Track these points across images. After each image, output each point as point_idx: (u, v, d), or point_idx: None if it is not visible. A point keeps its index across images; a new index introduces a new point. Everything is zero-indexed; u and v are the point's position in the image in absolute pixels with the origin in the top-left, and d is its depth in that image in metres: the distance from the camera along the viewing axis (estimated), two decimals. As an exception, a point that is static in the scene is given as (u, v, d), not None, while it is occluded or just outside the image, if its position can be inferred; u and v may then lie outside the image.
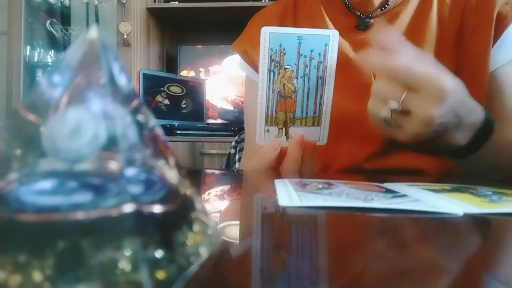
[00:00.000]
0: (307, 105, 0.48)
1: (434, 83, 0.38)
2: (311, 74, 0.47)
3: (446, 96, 0.38)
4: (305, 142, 0.47)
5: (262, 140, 0.48)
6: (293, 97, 0.47)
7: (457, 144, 0.45)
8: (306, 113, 0.48)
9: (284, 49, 0.45)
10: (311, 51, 0.46)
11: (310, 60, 0.46)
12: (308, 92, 0.47)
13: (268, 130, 0.48)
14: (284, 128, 0.48)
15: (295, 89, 0.47)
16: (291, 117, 0.48)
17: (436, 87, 0.38)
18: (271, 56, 0.45)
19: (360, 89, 0.59)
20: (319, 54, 0.46)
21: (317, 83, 0.47)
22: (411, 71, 0.39)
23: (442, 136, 0.43)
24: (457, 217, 0.23)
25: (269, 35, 0.44)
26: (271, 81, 0.46)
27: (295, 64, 0.46)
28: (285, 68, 0.46)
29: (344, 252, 0.17)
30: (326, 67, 0.47)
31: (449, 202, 0.26)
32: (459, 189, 0.32)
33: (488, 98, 0.55)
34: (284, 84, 0.46)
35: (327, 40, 0.46)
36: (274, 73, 0.46)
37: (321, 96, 0.48)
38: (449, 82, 0.38)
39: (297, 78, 0.46)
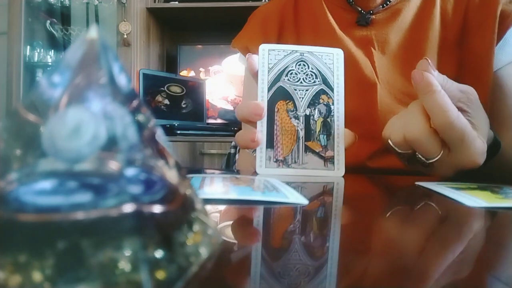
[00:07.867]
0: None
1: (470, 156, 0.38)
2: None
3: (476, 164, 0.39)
4: None
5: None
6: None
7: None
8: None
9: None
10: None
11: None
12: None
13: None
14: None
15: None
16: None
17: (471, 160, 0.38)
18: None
19: (363, 86, 0.59)
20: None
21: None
22: (459, 134, 0.37)
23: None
24: (464, 209, 0.23)
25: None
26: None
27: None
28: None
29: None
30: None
31: (459, 196, 0.27)
32: (484, 187, 0.32)
33: (490, 98, 0.55)
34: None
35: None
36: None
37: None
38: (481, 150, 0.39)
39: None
